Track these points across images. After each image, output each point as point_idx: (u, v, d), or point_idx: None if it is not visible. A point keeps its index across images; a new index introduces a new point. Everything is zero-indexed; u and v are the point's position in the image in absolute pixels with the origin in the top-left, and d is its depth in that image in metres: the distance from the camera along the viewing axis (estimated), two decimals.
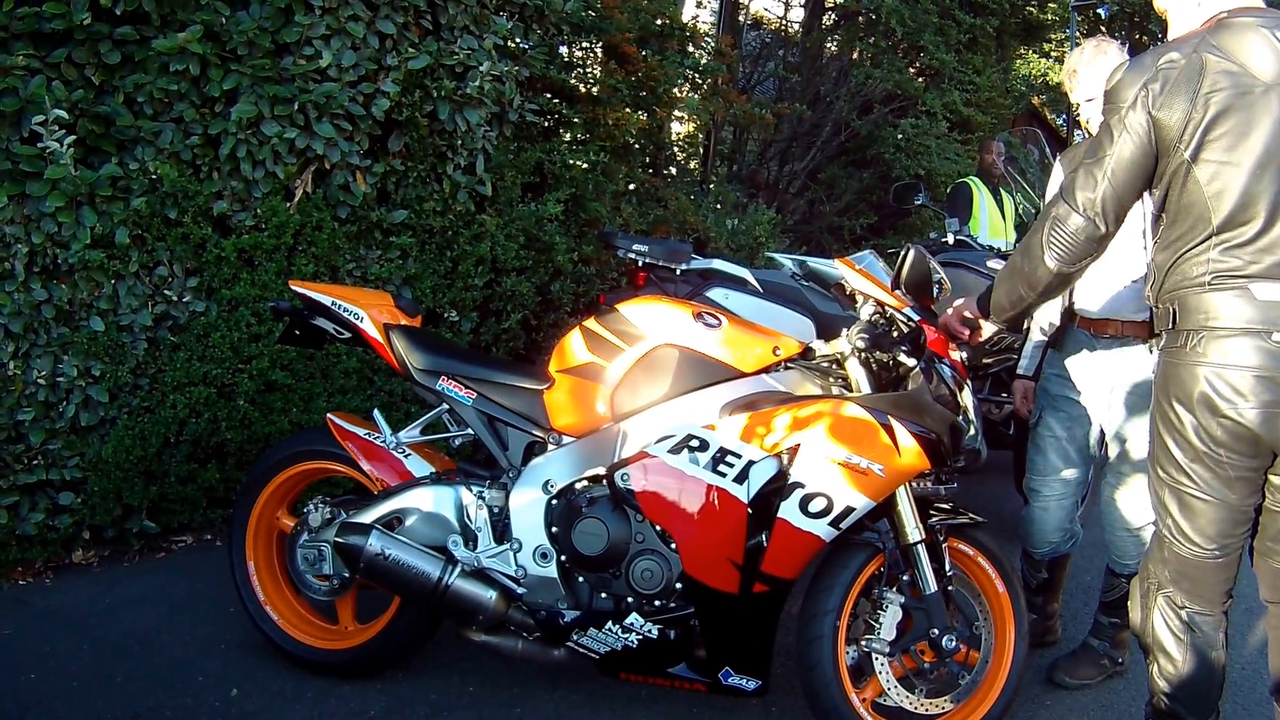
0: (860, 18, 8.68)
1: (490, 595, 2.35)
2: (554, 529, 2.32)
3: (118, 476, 3.18)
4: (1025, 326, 3.09)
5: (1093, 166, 2.00)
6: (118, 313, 3.18)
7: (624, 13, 5.60)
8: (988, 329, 2.35)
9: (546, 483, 2.34)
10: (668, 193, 5.89)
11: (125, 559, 3.32)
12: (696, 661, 2.32)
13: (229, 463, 3.45)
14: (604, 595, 2.31)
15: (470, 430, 2.52)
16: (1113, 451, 2.77)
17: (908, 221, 7.96)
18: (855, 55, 8.55)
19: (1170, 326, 1.99)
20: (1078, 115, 2.86)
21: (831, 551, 2.34)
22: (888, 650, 2.32)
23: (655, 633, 2.28)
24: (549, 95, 4.71)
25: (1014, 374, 3.19)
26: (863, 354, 2.31)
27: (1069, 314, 2.84)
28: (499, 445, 2.48)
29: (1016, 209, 5.94)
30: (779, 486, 2.17)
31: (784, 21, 9.96)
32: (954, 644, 2.31)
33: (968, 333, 2.41)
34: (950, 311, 2.43)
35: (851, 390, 2.31)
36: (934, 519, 2.37)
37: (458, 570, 2.36)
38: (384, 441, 2.57)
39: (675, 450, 2.22)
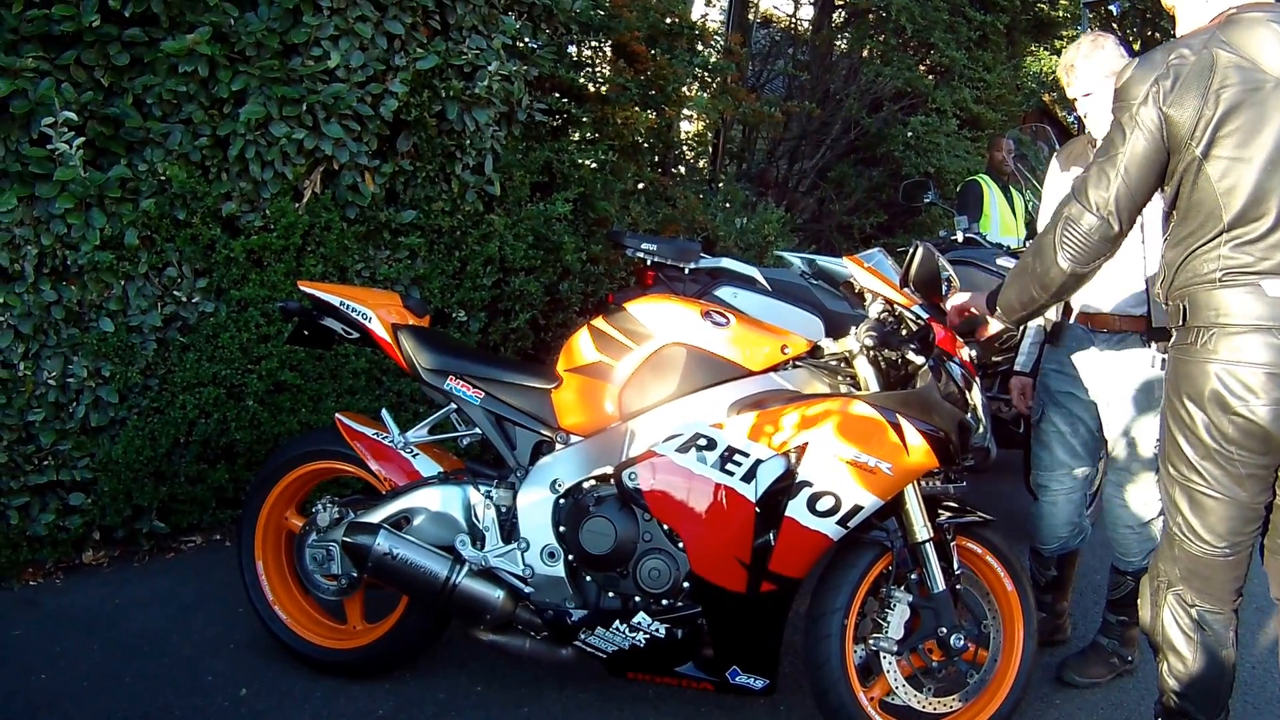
0: (870, 15, 8.65)
1: (498, 594, 2.35)
2: (561, 528, 2.32)
3: (127, 477, 3.20)
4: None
5: (1105, 165, 1.98)
6: (127, 314, 3.19)
7: (633, 11, 5.59)
8: (994, 326, 2.34)
9: (554, 482, 2.34)
10: (676, 192, 5.88)
11: (135, 559, 3.33)
12: (704, 661, 2.32)
13: (238, 463, 3.46)
14: (611, 594, 2.31)
15: (478, 430, 2.52)
16: (1114, 448, 2.76)
17: (918, 220, 7.92)
18: (865, 53, 8.53)
19: (1181, 323, 1.98)
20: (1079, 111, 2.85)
21: (839, 550, 2.33)
22: (895, 649, 2.31)
23: (663, 632, 2.28)
24: (558, 95, 4.70)
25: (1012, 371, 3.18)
26: (871, 352, 2.30)
27: (1066, 309, 2.82)
28: (507, 445, 2.48)
29: (1027, 206, 5.90)
30: (787, 485, 2.16)
31: (793, 19, 9.94)
32: (962, 643, 2.30)
33: (958, 321, 2.40)
34: (950, 307, 2.42)
35: (860, 388, 2.30)
36: (942, 517, 2.36)
37: (465, 570, 2.37)
38: (392, 441, 2.57)
39: (683, 449, 2.22)
